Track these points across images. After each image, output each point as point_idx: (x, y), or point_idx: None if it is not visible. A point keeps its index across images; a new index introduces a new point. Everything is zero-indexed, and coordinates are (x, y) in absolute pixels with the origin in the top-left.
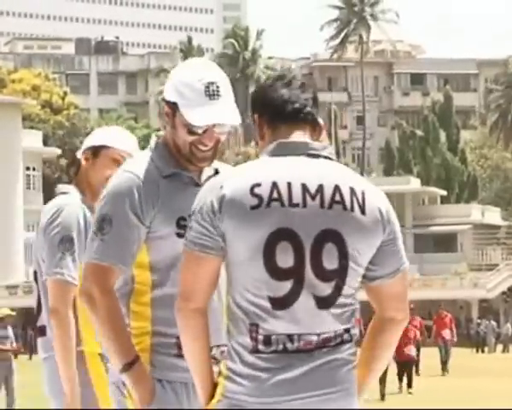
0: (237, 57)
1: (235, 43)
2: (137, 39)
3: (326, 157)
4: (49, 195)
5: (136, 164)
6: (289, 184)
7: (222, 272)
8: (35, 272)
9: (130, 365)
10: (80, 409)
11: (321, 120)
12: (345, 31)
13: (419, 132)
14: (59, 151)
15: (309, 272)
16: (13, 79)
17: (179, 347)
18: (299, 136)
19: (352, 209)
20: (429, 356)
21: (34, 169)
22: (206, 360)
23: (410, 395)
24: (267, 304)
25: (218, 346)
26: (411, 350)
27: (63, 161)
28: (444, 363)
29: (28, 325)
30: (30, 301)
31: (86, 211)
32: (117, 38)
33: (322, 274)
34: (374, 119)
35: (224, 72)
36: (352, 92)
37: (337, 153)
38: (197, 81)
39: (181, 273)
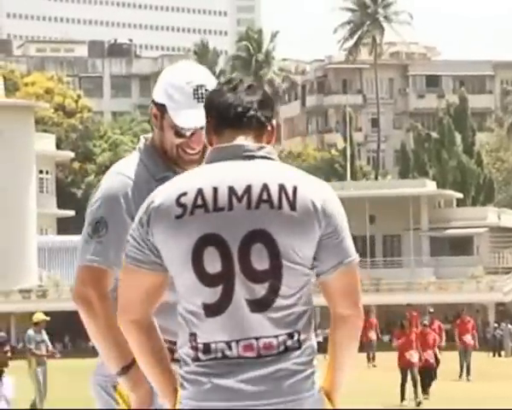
0: (251, 59)
1: (249, 46)
2: (151, 42)
3: (263, 157)
4: (61, 198)
5: (127, 166)
6: (215, 189)
7: None
8: None
9: (127, 368)
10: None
11: (273, 122)
12: (358, 33)
13: (434, 135)
14: (72, 154)
15: (239, 275)
16: (26, 82)
17: (172, 351)
18: (241, 140)
19: (280, 207)
20: (446, 361)
21: (47, 172)
22: (159, 372)
23: (425, 399)
24: (201, 311)
25: None
26: (430, 356)
27: (76, 165)
28: (463, 368)
29: None
30: (43, 306)
31: None
32: (130, 40)
33: (253, 276)
34: (389, 121)
35: (238, 74)
36: (366, 95)
37: (352, 155)
38: (186, 84)
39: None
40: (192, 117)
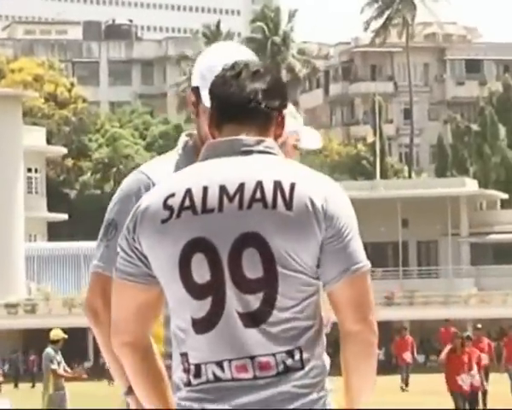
0: (266, 42)
1: (265, 27)
2: (154, 22)
3: (262, 152)
4: (53, 200)
5: (156, 165)
6: (205, 189)
7: None
8: None
9: None
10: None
11: (284, 112)
12: (387, 12)
13: (475, 127)
14: (64, 150)
15: (230, 285)
16: (12, 68)
17: None
18: (242, 134)
19: (275, 206)
20: (494, 383)
21: (36, 171)
22: (154, 398)
23: None
24: (190, 327)
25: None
26: (464, 380)
27: (69, 162)
28: None
29: (30, 349)
30: (32, 322)
31: None
32: (130, 21)
33: (245, 285)
34: (423, 112)
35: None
36: (398, 82)
37: (382, 151)
38: (222, 65)
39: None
40: None
